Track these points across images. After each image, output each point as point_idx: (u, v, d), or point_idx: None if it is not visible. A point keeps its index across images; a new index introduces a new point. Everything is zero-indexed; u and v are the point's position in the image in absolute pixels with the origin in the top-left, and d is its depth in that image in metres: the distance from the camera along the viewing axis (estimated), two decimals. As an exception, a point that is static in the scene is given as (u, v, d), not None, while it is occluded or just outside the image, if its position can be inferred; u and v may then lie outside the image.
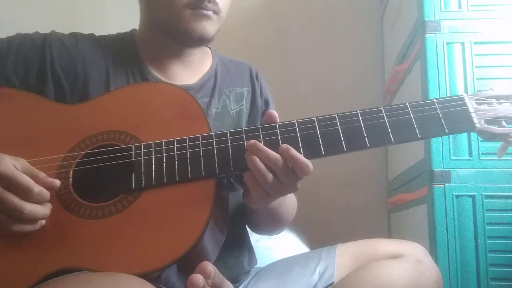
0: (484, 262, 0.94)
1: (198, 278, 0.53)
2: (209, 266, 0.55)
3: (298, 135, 0.64)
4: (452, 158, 1.00)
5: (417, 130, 0.64)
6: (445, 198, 0.98)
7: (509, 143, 0.67)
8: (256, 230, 0.86)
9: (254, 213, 0.77)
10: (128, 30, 0.86)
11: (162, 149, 0.64)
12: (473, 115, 0.66)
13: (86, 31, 0.83)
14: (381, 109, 0.66)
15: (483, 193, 0.97)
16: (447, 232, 0.96)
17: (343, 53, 1.65)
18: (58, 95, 0.73)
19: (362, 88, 1.60)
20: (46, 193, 0.59)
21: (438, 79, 1.03)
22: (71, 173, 0.64)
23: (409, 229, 1.23)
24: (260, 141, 0.63)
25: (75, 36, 0.80)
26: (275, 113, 0.66)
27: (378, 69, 1.62)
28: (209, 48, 0.88)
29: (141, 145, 0.65)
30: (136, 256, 0.58)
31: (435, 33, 1.06)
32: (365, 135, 0.64)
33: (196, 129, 0.66)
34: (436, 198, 0.98)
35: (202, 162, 0.63)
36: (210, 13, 0.74)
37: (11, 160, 0.59)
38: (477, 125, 0.65)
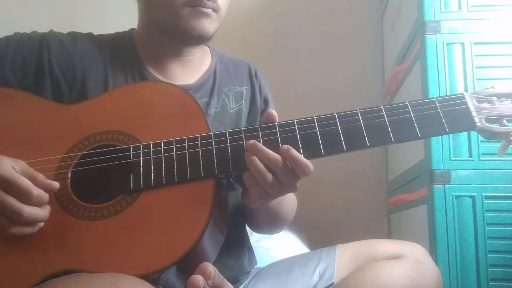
0: (484, 263, 0.94)
1: (198, 279, 0.53)
2: (209, 267, 0.55)
3: (298, 134, 0.64)
4: (452, 158, 1.00)
5: (417, 129, 0.64)
6: (445, 199, 0.98)
7: (510, 142, 0.66)
8: (256, 229, 0.86)
9: (253, 212, 0.77)
10: (127, 29, 0.86)
11: (161, 149, 0.64)
12: (473, 113, 0.65)
13: (85, 30, 0.83)
14: (381, 108, 0.65)
15: (483, 194, 0.97)
16: (447, 232, 0.96)
17: (343, 53, 1.65)
18: (56, 95, 0.73)
19: (362, 88, 1.60)
20: (45, 196, 0.59)
21: (438, 80, 1.03)
22: (69, 174, 0.64)
23: (409, 230, 1.23)
24: (259, 141, 0.62)
25: (73, 35, 0.80)
26: (274, 112, 0.66)
27: (378, 69, 1.62)
28: (208, 46, 0.87)
29: (140, 145, 0.64)
30: (135, 258, 0.58)
31: (435, 34, 1.06)
32: (365, 135, 0.63)
33: (195, 129, 0.65)
34: (436, 199, 0.98)
35: (201, 163, 0.63)
36: (209, 10, 0.74)
37: (10, 162, 0.58)
38: (478, 124, 0.65)
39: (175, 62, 0.81)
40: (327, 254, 0.77)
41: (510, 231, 0.95)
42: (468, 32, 1.05)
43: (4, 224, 0.57)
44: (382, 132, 0.64)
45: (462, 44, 1.04)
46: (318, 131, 0.64)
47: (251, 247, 0.86)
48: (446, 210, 0.97)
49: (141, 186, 0.62)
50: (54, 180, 0.62)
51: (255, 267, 0.85)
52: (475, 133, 0.92)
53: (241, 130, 0.65)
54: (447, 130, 0.64)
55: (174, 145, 0.64)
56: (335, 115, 0.65)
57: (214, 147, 0.64)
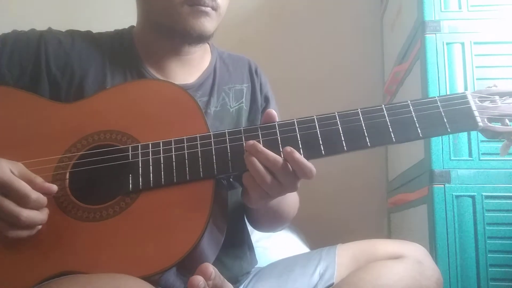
0: (484, 263, 0.94)
1: (198, 279, 0.53)
2: (210, 268, 0.55)
3: (298, 135, 0.63)
4: (452, 158, 0.99)
5: (418, 129, 0.63)
6: (445, 199, 0.97)
7: (512, 141, 0.65)
8: (257, 227, 0.85)
9: (254, 211, 0.77)
10: (126, 27, 0.85)
11: (160, 149, 0.63)
12: (476, 113, 0.64)
13: (84, 28, 0.82)
14: (382, 108, 0.64)
15: (483, 194, 0.97)
16: (447, 232, 0.96)
17: (343, 53, 1.65)
18: (53, 94, 0.73)
19: (362, 88, 1.60)
20: (43, 199, 0.59)
21: (438, 79, 1.03)
22: (67, 174, 0.63)
23: (409, 229, 1.23)
24: (259, 141, 0.62)
25: (71, 33, 0.79)
26: (274, 112, 0.65)
27: (378, 69, 1.61)
28: (208, 43, 0.86)
29: (138, 145, 0.64)
30: (135, 260, 0.58)
31: (435, 33, 1.06)
32: (366, 135, 0.63)
33: (194, 129, 0.65)
34: (436, 199, 0.98)
35: (200, 164, 0.62)
36: (208, 9, 0.73)
37: (8, 164, 0.58)
38: (480, 123, 0.64)
39: (175, 61, 0.80)
40: (328, 254, 0.77)
41: (510, 231, 0.95)
42: (468, 31, 1.05)
43: (2, 227, 0.56)
44: (383, 132, 0.63)
45: (462, 44, 1.04)
46: (318, 131, 0.63)
47: (252, 247, 0.86)
48: (446, 210, 0.97)
49: (140, 187, 0.62)
50: (52, 181, 0.62)
51: (255, 266, 0.85)
52: (475, 132, 0.92)
53: (241, 130, 0.64)
54: (448, 130, 0.63)
55: (173, 145, 0.63)
56: (335, 115, 0.64)
57: (213, 147, 0.63)
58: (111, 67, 0.77)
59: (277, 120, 0.65)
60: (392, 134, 0.63)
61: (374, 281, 0.65)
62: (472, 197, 0.97)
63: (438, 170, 0.99)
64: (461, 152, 0.99)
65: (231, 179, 0.75)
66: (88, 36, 0.80)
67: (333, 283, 0.71)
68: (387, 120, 0.63)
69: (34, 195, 0.57)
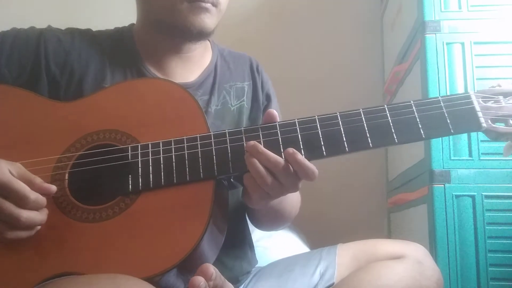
0: (484, 262, 0.94)
1: (199, 280, 0.53)
2: (210, 268, 0.54)
3: (299, 135, 0.62)
4: (452, 158, 0.99)
5: (421, 130, 0.62)
6: (445, 198, 0.98)
7: (516, 142, 0.65)
8: (258, 226, 0.85)
9: (255, 211, 0.77)
10: (126, 25, 0.84)
11: (160, 150, 0.63)
12: (479, 114, 0.63)
13: (84, 26, 0.82)
14: (385, 108, 0.63)
15: (483, 193, 0.97)
16: (447, 232, 0.96)
17: (343, 53, 1.65)
18: (52, 92, 0.72)
19: (362, 88, 1.60)
20: (43, 200, 0.58)
21: (438, 79, 1.03)
22: (66, 175, 0.63)
23: (409, 229, 1.23)
24: (260, 142, 0.62)
25: (71, 32, 0.79)
26: (275, 112, 0.64)
27: (378, 69, 1.61)
28: (209, 40, 0.85)
29: (138, 145, 0.63)
30: (135, 261, 0.57)
31: (435, 33, 1.06)
32: (368, 136, 0.62)
33: (194, 128, 0.64)
34: (436, 198, 0.98)
35: (200, 164, 0.62)
36: (208, 5, 0.72)
37: (7, 165, 0.58)
38: (484, 124, 0.63)
39: (175, 59, 0.79)
40: (328, 253, 0.77)
41: (510, 231, 0.95)
42: (468, 31, 1.05)
43: (1, 228, 0.56)
44: (386, 133, 0.62)
45: (462, 44, 1.04)
46: (320, 132, 0.62)
47: (253, 246, 0.85)
48: (446, 210, 0.97)
49: (140, 188, 0.61)
50: (51, 182, 0.62)
51: (256, 266, 0.85)
52: (476, 132, 0.92)
53: (241, 130, 0.64)
54: (452, 131, 0.62)
55: (173, 146, 0.63)
56: (337, 115, 0.63)
57: (213, 147, 0.63)
58: (111, 65, 0.76)
59: (278, 120, 0.64)
60: (394, 135, 0.62)
61: (374, 281, 0.65)
62: (472, 197, 0.97)
63: (438, 170, 0.99)
64: (461, 152, 0.99)
65: (232, 179, 0.74)
66: (88, 34, 0.80)
67: (333, 283, 0.71)
68: (390, 120, 0.63)
69: (33, 195, 0.57)
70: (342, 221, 1.53)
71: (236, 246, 0.79)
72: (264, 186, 0.60)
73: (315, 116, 0.63)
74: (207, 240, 0.60)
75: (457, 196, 0.98)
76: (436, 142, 1.00)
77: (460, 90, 1.02)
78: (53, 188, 0.60)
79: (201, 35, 0.75)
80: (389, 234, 1.49)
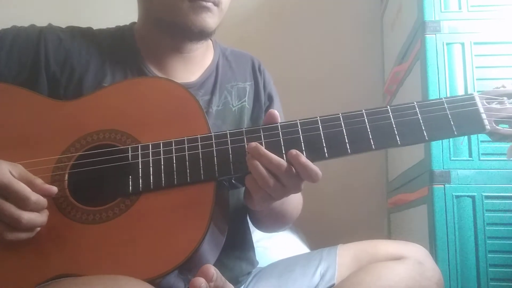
0: (484, 263, 0.94)
1: (200, 281, 0.52)
2: (211, 269, 0.54)
3: (301, 136, 0.62)
4: (452, 158, 0.99)
5: (425, 132, 0.62)
6: (445, 199, 0.98)
7: (519, 143, 0.64)
8: (260, 228, 0.85)
9: (257, 213, 0.77)
10: (128, 23, 0.84)
11: (160, 150, 0.63)
12: (483, 116, 0.63)
13: (84, 24, 0.82)
14: (387, 109, 0.63)
15: (483, 194, 0.97)
16: (447, 232, 0.96)
17: (343, 53, 1.65)
18: (52, 91, 0.72)
19: (362, 88, 1.60)
20: (44, 201, 0.58)
21: (438, 80, 1.03)
22: (66, 175, 0.63)
23: (409, 230, 1.23)
24: (261, 143, 0.61)
25: (72, 30, 0.78)
26: (276, 112, 0.64)
27: (378, 69, 1.61)
28: (211, 39, 0.84)
29: (138, 146, 0.63)
30: (136, 263, 0.57)
31: (435, 34, 1.06)
32: (371, 137, 0.61)
33: (195, 129, 0.64)
34: (436, 199, 0.98)
35: (201, 165, 0.62)
36: (209, 4, 0.71)
37: (7, 166, 0.57)
38: (487, 126, 0.63)
39: (176, 59, 0.79)
40: (328, 254, 0.77)
41: (510, 231, 0.95)
42: (468, 32, 1.04)
43: (1, 230, 0.56)
44: (389, 135, 0.61)
45: (462, 44, 1.04)
46: (322, 133, 0.62)
47: (253, 247, 0.85)
48: (446, 210, 0.97)
49: (140, 189, 0.61)
50: (51, 182, 0.61)
51: (256, 266, 0.85)
52: (477, 133, 0.92)
53: (243, 131, 0.63)
54: (455, 133, 0.62)
55: (173, 146, 0.63)
56: (339, 116, 0.63)
57: (214, 148, 0.62)
58: (111, 64, 0.76)
59: (280, 121, 0.64)
60: (397, 137, 0.61)
61: (374, 282, 0.65)
62: (472, 197, 0.97)
63: (438, 170, 0.99)
64: (461, 152, 1.00)
65: (232, 180, 0.74)
66: (88, 33, 0.79)
67: (334, 284, 0.71)
68: (393, 122, 0.62)
69: (34, 197, 0.56)
70: (342, 222, 1.53)
71: (237, 247, 0.78)
72: (266, 188, 0.60)
73: (317, 117, 0.63)
74: (208, 241, 0.60)
75: (457, 197, 0.98)
76: (436, 143, 1.00)
77: (460, 90, 1.02)
78: (54, 189, 0.59)
79: (202, 34, 0.74)
80: (389, 234, 1.49)
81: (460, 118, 0.62)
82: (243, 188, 0.78)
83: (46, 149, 0.64)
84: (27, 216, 0.56)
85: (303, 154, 0.60)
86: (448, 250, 0.96)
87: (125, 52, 0.78)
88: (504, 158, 0.97)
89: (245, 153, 0.61)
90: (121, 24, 0.84)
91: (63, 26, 0.79)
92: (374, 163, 1.57)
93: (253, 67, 0.86)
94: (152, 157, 0.63)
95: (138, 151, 0.63)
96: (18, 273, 0.58)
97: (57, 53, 0.74)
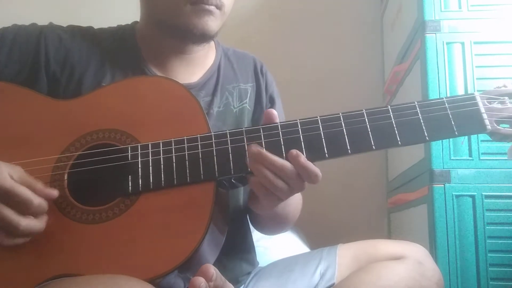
0: (484, 262, 0.94)
1: (200, 281, 0.52)
2: (211, 269, 0.54)
3: (301, 136, 0.61)
4: (452, 158, 0.99)
5: (425, 132, 0.61)
6: (445, 198, 0.97)
7: (521, 144, 0.64)
8: (261, 231, 0.85)
9: (259, 216, 0.77)
10: (129, 23, 0.83)
11: (160, 150, 0.62)
12: (484, 116, 0.62)
13: (85, 23, 0.81)
14: (388, 109, 0.63)
15: (483, 193, 0.97)
16: (447, 232, 0.96)
17: (343, 53, 1.65)
18: (52, 90, 0.72)
19: (362, 88, 1.60)
20: (45, 205, 0.57)
21: (438, 79, 1.03)
22: (66, 175, 0.62)
23: (409, 229, 1.23)
24: (261, 142, 0.61)
25: (72, 29, 0.78)
26: (274, 112, 0.64)
27: (378, 69, 1.61)
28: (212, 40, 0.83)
29: (138, 145, 0.63)
30: (135, 263, 0.57)
31: (435, 33, 1.06)
32: (371, 137, 0.61)
33: (195, 128, 0.64)
34: (436, 198, 0.98)
35: (201, 165, 0.61)
36: (212, 8, 0.71)
37: (7, 169, 0.56)
38: (488, 126, 0.62)
39: (178, 60, 0.79)
40: (328, 254, 0.77)
41: (510, 231, 0.95)
42: (468, 31, 1.05)
43: None
44: (389, 134, 0.61)
45: (462, 44, 1.04)
46: (322, 133, 0.61)
47: (253, 247, 0.85)
48: (446, 210, 0.97)
49: (140, 189, 0.61)
50: (51, 182, 0.61)
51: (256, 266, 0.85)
52: (477, 133, 0.92)
53: (242, 130, 0.63)
54: (456, 133, 0.61)
55: (173, 146, 0.62)
56: (339, 116, 0.62)
57: (214, 148, 0.62)
58: (111, 64, 0.75)
59: (277, 119, 0.64)
60: (398, 137, 0.61)
61: (374, 282, 0.65)
62: (472, 197, 0.97)
63: (438, 169, 0.99)
64: (461, 151, 1.00)
65: (233, 180, 0.74)
66: (89, 32, 0.79)
67: (334, 283, 0.71)
68: (393, 122, 0.62)
69: (37, 201, 0.56)
70: (342, 221, 1.53)
71: (237, 246, 0.78)
72: (273, 190, 0.60)
73: (317, 117, 0.63)
74: (208, 241, 0.59)
75: (457, 196, 0.98)
76: (436, 142, 1.00)
77: (460, 89, 1.02)
78: (55, 193, 0.59)
79: (203, 37, 0.74)
80: (389, 234, 1.49)
81: (461, 118, 0.62)
82: (243, 188, 0.78)
83: (45, 148, 0.64)
84: (25, 223, 0.55)
85: (303, 154, 0.60)
86: (448, 249, 0.96)
87: (126, 52, 0.78)
88: (504, 157, 0.97)
89: (245, 153, 0.61)
90: (122, 24, 0.84)
91: (64, 26, 0.79)
92: (374, 163, 1.57)
93: (255, 68, 0.86)
94: (151, 156, 0.62)
95: (138, 151, 0.63)
96: (17, 273, 0.58)
97: (57, 52, 0.74)
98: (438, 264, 0.75)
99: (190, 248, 0.57)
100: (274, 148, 0.61)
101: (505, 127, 0.64)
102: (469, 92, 1.00)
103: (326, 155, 0.61)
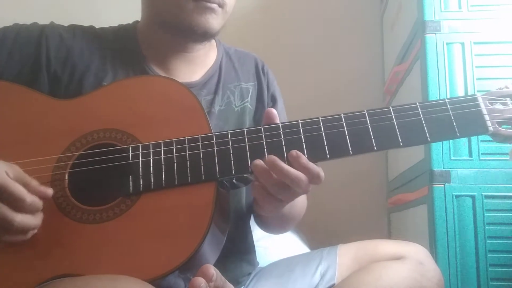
0: (484, 262, 0.94)
1: (200, 281, 0.52)
2: (211, 269, 0.54)
3: (302, 136, 0.61)
4: (452, 158, 0.99)
5: (427, 133, 0.61)
6: (445, 198, 0.97)
7: (522, 145, 0.64)
8: (267, 230, 0.85)
9: (264, 217, 0.77)
10: (130, 22, 0.83)
11: (161, 150, 0.62)
12: (486, 117, 0.62)
13: (86, 23, 0.81)
14: (390, 110, 0.63)
15: (483, 193, 0.97)
16: (447, 232, 0.96)
17: (343, 53, 1.65)
18: (53, 90, 0.72)
19: (362, 88, 1.60)
20: (39, 203, 0.57)
21: (438, 79, 1.03)
22: (66, 175, 0.62)
23: (409, 229, 1.23)
24: (262, 143, 0.61)
25: (73, 28, 0.78)
26: (274, 111, 0.64)
27: (378, 69, 1.61)
28: (214, 38, 0.84)
29: (139, 146, 0.63)
30: (136, 263, 0.57)
31: (435, 33, 1.06)
32: (373, 138, 0.61)
33: (196, 128, 0.64)
34: (436, 198, 0.98)
35: (202, 165, 0.61)
36: (214, 6, 0.71)
37: (4, 166, 0.56)
38: (490, 128, 0.62)
39: (179, 59, 0.78)
40: (329, 254, 0.77)
41: (510, 231, 0.95)
42: (468, 31, 1.04)
43: None
44: (390, 135, 0.61)
45: (462, 44, 1.04)
46: (323, 133, 0.61)
47: (254, 248, 0.85)
48: (446, 210, 0.97)
49: (141, 189, 0.61)
50: (52, 181, 0.61)
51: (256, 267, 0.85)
52: (477, 133, 0.92)
53: (244, 131, 0.63)
54: (458, 134, 0.61)
55: (174, 146, 0.62)
56: (341, 116, 0.62)
57: (215, 148, 0.62)
58: (113, 63, 0.75)
59: (278, 119, 0.64)
60: (399, 138, 0.61)
61: (375, 282, 0.65)
62: (472, 197, 0.97)
63: (438, 170, 0.99)
64: (461, 152, 0.99)
65: (234, 180, 0.74)
66: (90, 31, 0.79)
67: (334, 284, 0.71)
68: (395, 123, 0.62)
69: (29, 198, 0.56)
70: (342, 221, 1.53)
71: (237, 247, 0.78)
72: (279, 196, 0.60)
73: (318, 118, 0.63)
74: (208, 241, 0.59)
75: (457, 196, 0.98)
76: (436, 142, 1.00)
77: (460, 90, 1.02)
78: (50, 191, 0.58)
79: (205, 35, 0.74)
80: (389, 234, 1.49)
81: (463, 119, 0.62)
82: (244, 189, 0.78)
83: (46, 148, 0.64)
84: (19, 219, 0.55)
85: (304, 154, 0.60)
86: (448, 250, 0.96)
87: (127, 51, 0.78)
88: (504, 157, 0.97)
89: (246, 154, 0.61)
90: (123, 23, 0.84)
91: (63, 22, 0.79)
92: (374, 163, 1.57)
93: (256, 67, 0.86)
94: (152, 157, 0.62)
95: (139, 151, 0.63)
96: (18, 273, 0.58)
97: (58, 51, 0.74)
98: (438, 264, 0.75)
99: (190, 249, 0.57)
100: (275, 148, 0.61)
101: (507, 129, 0.64)
102: (469, 92, 1.01)
103: (328, 155, 0.61)
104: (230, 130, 0.63)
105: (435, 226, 0.97)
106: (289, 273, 0.76)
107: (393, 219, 1.47)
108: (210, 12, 0.71)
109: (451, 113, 0.62)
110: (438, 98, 0.99)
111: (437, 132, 0.62)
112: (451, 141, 1.00)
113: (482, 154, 0.99)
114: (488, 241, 0.95)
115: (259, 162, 0.59)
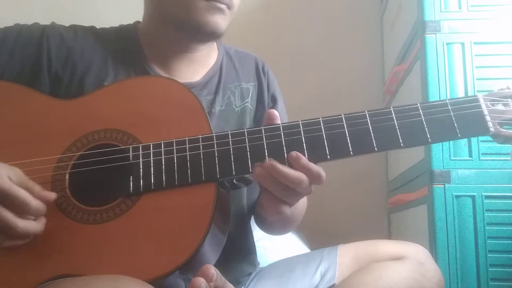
0: (484, 263, 0.94)
1: (200, 281, 0.52)
2: (211, 269, 0.54)
3: (303, 137, 0.61)
4: (452, 158, 0.99)
5: (428, 134, 0.61)
6: (445, 198, 0.98)
7: (524, 146, 0.64)
8: (268, 232, 0.85)
9: (266, 220, 0.77)
10: (131, 22, 0.83)
11: (161, 151, 0.62)
12: (487, 118, 0.62)
13: (87, 23, 0.82)
14: (391, 110, 0.62)
15: (483, 194, 0.97)
16: (447, 232, 0.96)
17: (343, 53, 1.65)
18: (53, 90, 0.72)
19: (362, 88, 1.60)
20: (43, 207, 0.57)
21: (438, 79, 1.03)
22: (67, 175, 0.62)
23: (409, 229, 1.23)
24: (263, 143, 0.61)
25: (75, 28, 0.78)
26: (275, 112, 0.64)
27: (378, 69, 1.61)
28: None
29: (139, 146, 0.63)
30: (136, 264, 0.57)
31: (435, 33, 1.06)
32: (373, 139, 0.61)
33: (197, 129, 0.64)
34: (436, 198, 0.98)
35: (202, 166, 0.61)
36: (224, 6, 0.71)
37: (6, 170, 0.56)
38: (491, 129, 0.62)
39: (181, 59, 0.79)
40: (329, 254, 0.77)
41: (510, 231, 0.95)
42: (468, 31, 1.05)
43: None
44: (391, 136, 0.61)
45: (462, 44, 1.04)
46: (324, 134, 0.61)
47: (254, 248, 0.85)
48: (446, 210, 0.97)
49: (141, 189, 0.61)
50: (52, 182, 0.61)
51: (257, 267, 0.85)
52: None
53: (244, 131, 0.63)
54: (459, 135, 0.61)
55: (174, 147, 0.62)
56: (342, 117, 0.62)
57: (216, 149, 0.62)
58: (113, 64, 0.75)
59: (278, 120, 0.64)
60: (400, 138, 0.61)
61: (375, 282, 0.65)
62: (472, 197, 0.97)
63: (438, 170, 0.99)
64: (461, 152, 1.00)
65: (234, 181, 0.74)
66: (91, 32, 0.79)
67: (334, 284, 0.71)
68: (396, 124, 0.62)
69: (34, 203, 0.56)
70: (342, 221, 1.53)
71: (237, 247, 0.78)
72: (285, 199, 0.60)
73: (319, 118, 0.63)
74: (209, 242, 0.59)
75: (457, 196, 0.98)
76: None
77: (460, 90, 1.02)
78: (53, 196, 0.58)
79: (212, 35, 0.74)
80: (389, 234, 1.49)
81: (464, 120, 0.62)
82: (245, 189, 0.78)
83: (47, 148, 0.64)
84: (23, 224, 0.55)
85: (305, 155, 0.60)
86: (448, 250, 0.96)
87: (128, 51, 0.78)
88: (504, 157, 0.97)
89: (246, 154, 0.61)
90: (124, 23, 0.84)
91: (64, 22, 0.79)
92: (374, 163, 1.57)
93: (257, 67, 0.86)
94: (153, 157, 0.62)
95: (139, 151, 0.63)
96: (18, 273, 0.58)
97: (59, 51, 0.74)
98: (438, 264, 0.75)
99: (191, 249, 0.57)
100: (275, 149, 0.61)
101: (508, 129, 0.64)
102: (469, 92, 1.01)
103: (328, 156, 0.61)
104: (230, 131, 0.63)
105: (435, 226, 0.97)
106: (289, 273, 0.76)
107: (393, 219, 1.47)
108: (219, 13, 0.72)
109: (452, 114, 0.62)
110: (438, 98, 1.00)
111: (438, 133, 0.62)
112: (451, 141, 1.00)
113: (482, 154, 0.99)
114: (488, 241, 0.95)
115: (259, 167, 0.59)
